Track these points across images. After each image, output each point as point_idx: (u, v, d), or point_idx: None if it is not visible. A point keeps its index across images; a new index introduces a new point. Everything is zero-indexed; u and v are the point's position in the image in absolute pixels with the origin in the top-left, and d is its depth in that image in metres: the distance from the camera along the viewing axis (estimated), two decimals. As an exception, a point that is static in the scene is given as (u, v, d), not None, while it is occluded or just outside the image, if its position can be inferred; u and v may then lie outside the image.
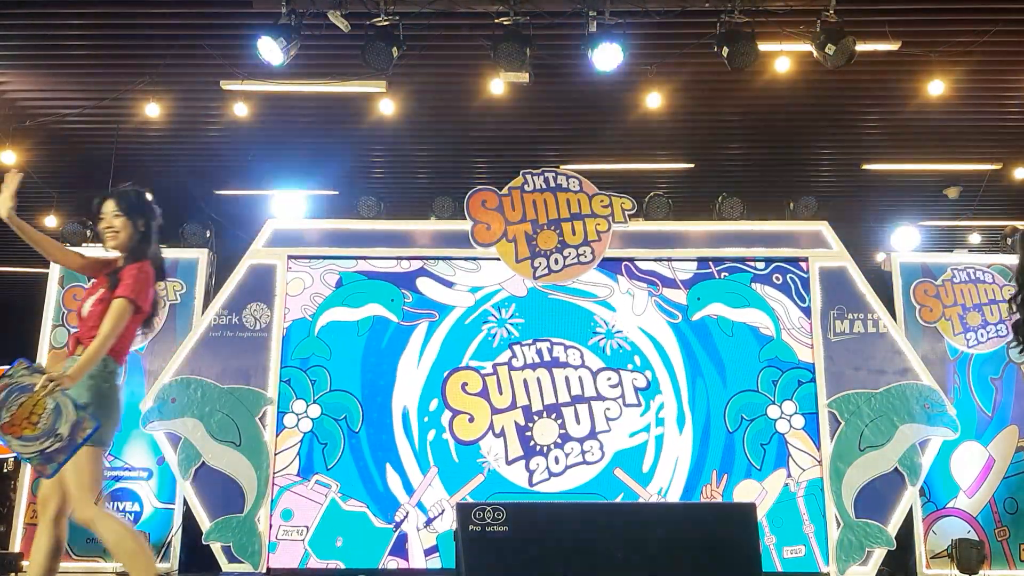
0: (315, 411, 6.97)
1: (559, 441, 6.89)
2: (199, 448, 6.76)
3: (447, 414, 6.98)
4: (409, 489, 6.85)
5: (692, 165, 9.12)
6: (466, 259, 7.23)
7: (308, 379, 7.02)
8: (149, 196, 4.20)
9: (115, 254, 4.28)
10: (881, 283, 7.29)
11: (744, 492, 6.78)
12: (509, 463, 6.87)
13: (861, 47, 5.95)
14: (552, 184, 7.21)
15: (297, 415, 6.96)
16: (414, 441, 6.94)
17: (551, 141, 8.87)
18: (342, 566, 6.71)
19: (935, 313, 7.14)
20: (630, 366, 7.03)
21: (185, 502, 6.82)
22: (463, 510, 4.74)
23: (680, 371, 7.04)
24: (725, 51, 5.97)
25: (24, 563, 6.68)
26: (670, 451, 6.91)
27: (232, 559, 6.62)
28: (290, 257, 7.24)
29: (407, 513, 6.80)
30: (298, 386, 7.00)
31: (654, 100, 7.38)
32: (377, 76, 6.66)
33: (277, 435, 6.91)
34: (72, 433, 3.67)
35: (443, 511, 6.76)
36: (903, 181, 9.51)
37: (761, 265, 7.21)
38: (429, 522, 6.77)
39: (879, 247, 8.79)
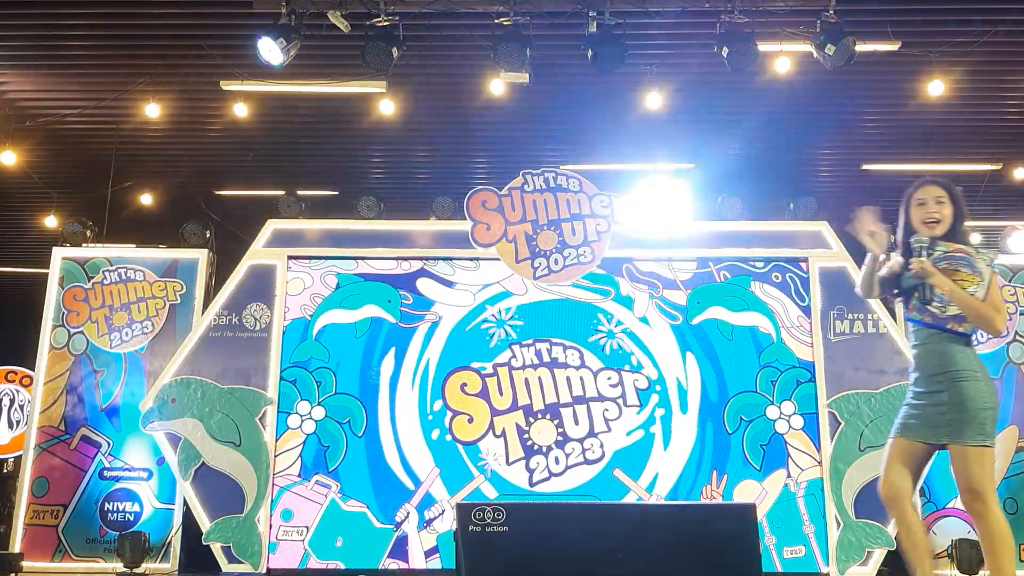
0: (319, 413, 6.97)
1: (559, 441, 6.90)
2: (199, 448, 6.77)
3: (447, 414, 6.98)
4: (412, 490, 6.86)
5: (692, 165, 9.12)
6: (466, 259, 7.24)
7: (314, 380, 7.02)
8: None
9: None
10: (881, 283, 7.28)
11: (744, 492, 6.79)
12: (510, 463, 6.87)
13: (861, 47, 5.95)
14: (552, 184, 7.21)
15: (301, 416, 6.96)
16: (416, 442, 6.94)
17: (551, 141, 8.86)
18: (342, 566, 6.71)
19: (935, 313, 7.12)
20: (627, 367, 7.03)
21: (185, 502, 6.82)
22: (463, 510, 4.74)
23: (680, 372, 7.04)
24: (725, 51, 5.97)
25: (24, 563, 6.69)
26: (669, 452, 6.91)
27: (232, 559, 6.63)
28: (290, 257, 7.24)
29: (408, 513, 6.80)
30: (303, 387, 7.00)
31: (654, 100, 7.37)
32: (377, 76, 6.65)
33: (279, 436, 6.92)
34: None
35: (443, 511, 6.76)
36: (903, 181, 9.49)
37: (760, 264, 7.22)
38: (428, 523, 6.77)
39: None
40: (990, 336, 7.03)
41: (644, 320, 7.12)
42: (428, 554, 6.73)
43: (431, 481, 6.84)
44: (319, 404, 6.98)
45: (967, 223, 3.78)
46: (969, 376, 3.55)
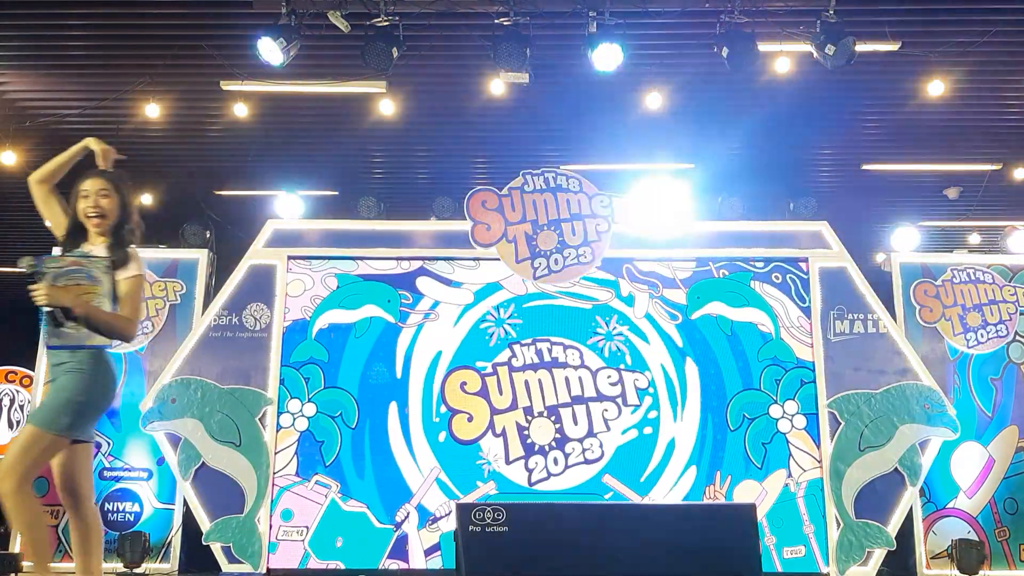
0: (310, 409, 6.97)
1: (557, 440, 6.89)
2: (199, 448, 6.76)
3: (448, 414, 6.98)
4: (410, 487, 6.86)
5: (692, 165, 9.11)
6: (466, 259, 7.24)
7: (302, 377, 7.02)
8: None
9: None
10: (881, 283, 7.29)
11: (744, 492, 6.79)
12: (509, 463, 6.87)
13: (861, 47, 5.95)
14: (552, 184, 7.21)
15: (292, 414, 6.96)
16: (411, 440, 6.94)
17: (551, 141, 8.84)
18: (342, 566, 6.71)
19: (935, 313, 7.14)
20: (623, 365, 7.03)
21: (185, 502, 6.82)
22: (463, 510, 4.74)
23: (680, 371, 7.04)
24: (725, 51, 5.97)
25: (24, 564, 6.68)
26: (670, 451, 6.91)
27: (232, 559, 6.63)
28: (290, 258, 7.24)
29: (408, 513, 6.80)
30: (292, 385, 7.00)
31: (654, 100, 7.37)
32: (377, 76, 6.65)
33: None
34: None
35: (449, 512, 6.74)
36: (903, 181, 9.49)
37: (761, 264, 7.22)
38: (435, 520, 6.76)
39: (879, 247, 8.79)
40: (990, 338, 7.06)
41: (645, 318, 7.12)
42: (428, 552, 6.73)
43: (431, 481, 6.85)
44: (309, 400, 6.98)
45: (131, 221, 3.74)
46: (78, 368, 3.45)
